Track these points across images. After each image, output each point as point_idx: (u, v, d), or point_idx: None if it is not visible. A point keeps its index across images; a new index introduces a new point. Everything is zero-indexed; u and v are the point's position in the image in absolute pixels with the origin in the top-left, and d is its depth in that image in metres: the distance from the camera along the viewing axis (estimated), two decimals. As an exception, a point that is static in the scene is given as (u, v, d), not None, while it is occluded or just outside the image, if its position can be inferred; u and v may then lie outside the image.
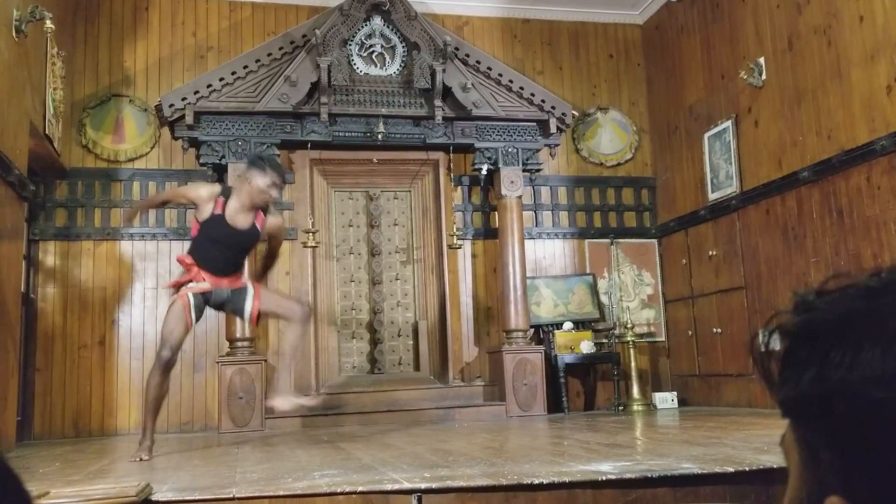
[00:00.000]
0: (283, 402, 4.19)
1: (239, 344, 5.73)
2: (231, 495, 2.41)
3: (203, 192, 4.08)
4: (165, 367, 3.92)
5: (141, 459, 3.70)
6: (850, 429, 0.52)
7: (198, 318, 4.09)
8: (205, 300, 4.10)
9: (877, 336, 0.53)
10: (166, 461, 3.72)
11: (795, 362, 0.57)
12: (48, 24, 4.78)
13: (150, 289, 6.08)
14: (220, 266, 4.06)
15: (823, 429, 0.54)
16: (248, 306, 4.12)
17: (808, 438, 0.56)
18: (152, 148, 6.27)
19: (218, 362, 5.70)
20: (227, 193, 4.05)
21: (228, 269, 4.11)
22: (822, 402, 0.54)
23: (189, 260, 4.05)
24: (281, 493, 2.44)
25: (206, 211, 4.01)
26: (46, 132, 5.29)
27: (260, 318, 4.22)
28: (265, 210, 4.11)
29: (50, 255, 5.94)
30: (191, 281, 4.04)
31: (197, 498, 2.40)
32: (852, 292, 0.57)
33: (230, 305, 4.18)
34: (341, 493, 2.43)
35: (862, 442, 0.52)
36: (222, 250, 4.04)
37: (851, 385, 0.52)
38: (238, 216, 4.02)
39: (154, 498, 2.37)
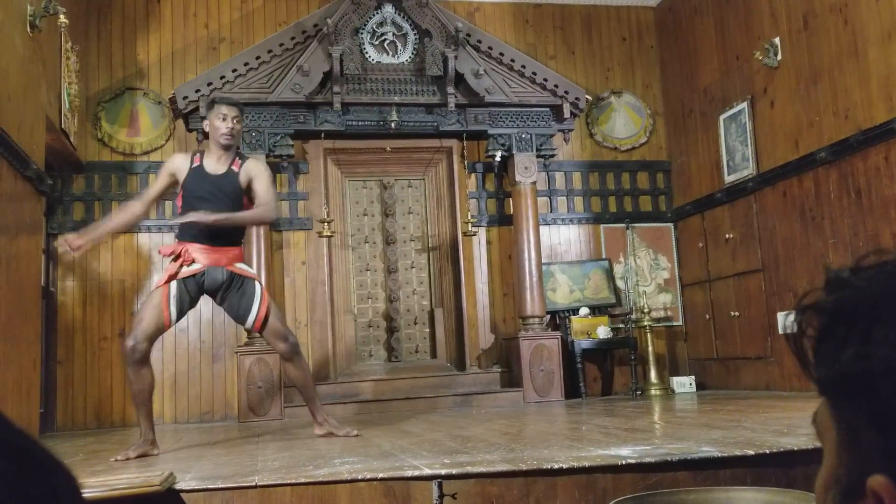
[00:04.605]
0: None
1: (257, 334, 5.76)
2: (254, 483, 2.44)
3: (177, 158, 3.99)
4: (130, 359, 3.60)
5: (127, 458, 3.42)
6: (895, 406, 0.51)
7: (180, 314, 3.74)
8: (198, 287, 3.77)
9: None
10: (188, 451, 3.76)
11: (833, 340, 0.55)
12: (62, 18, 4.79)
13: (168, 280, 6.12)
14: (210, 229, 3.72)
15: (866, 407, 0.53)
16: (255, 311, 3.80)
17: (848, 417, 0.55)
18: (167, 140, 6.30)
19: (236, 352, 5.74)
20: (202, 151, 3.98)
21: (221, 232, 3.76)
22: (864, 380, 0.53)
23: (170, 248, 3.81)
24: (303, 480, 2.46)
25: (185, 169, 3.84)
26: (62, 126, 5.33)
27: (264, 327, 3.85)
28: (240, 157, 3.94)
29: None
30: (181, 266, 3.72)
31: (220, 486, 2.42)
32: (891, 269, 0.56)
33: (231, 301, 3.81)
34: (362, 480, 2.44)
35: None
36: (208, 206, 3.71)
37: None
38: (216, 165, 3.85)
39: (178, 487, 2.40)
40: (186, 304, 3.76)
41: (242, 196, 3.87)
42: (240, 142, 4.00)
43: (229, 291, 3.81)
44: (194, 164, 3.85)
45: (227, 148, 3.88)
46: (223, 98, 4.04)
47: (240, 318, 3.88)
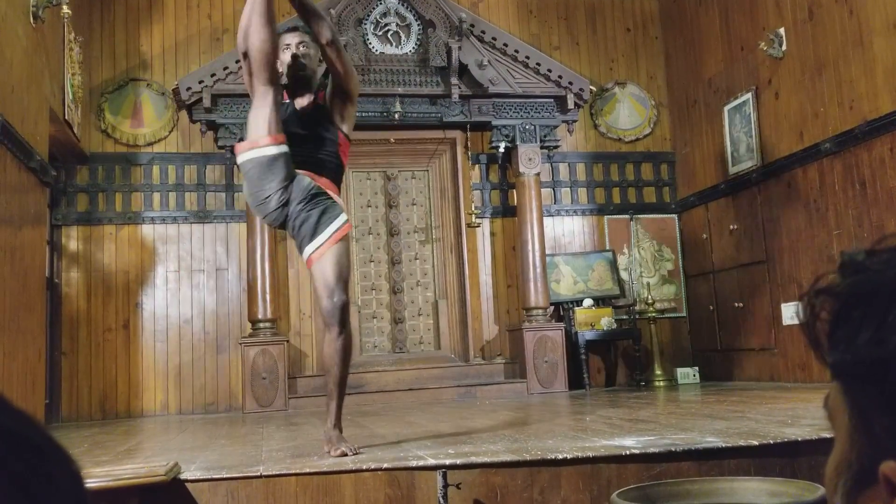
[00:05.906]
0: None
1: (261, 325, 5.78)
2: (258, 473, 2.44)
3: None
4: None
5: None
6: None
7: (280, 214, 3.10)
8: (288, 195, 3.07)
9: None
10: (193, 441, 3.77)
11: (848, 324, 0.54)
12: (65, 9, 4.79)
13: (172, 272, 6.13)
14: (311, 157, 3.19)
15: (880, 392, 0.52)
16: (322, 237, 3.05)
17: (861, 401, 0.54)
18: (171, 132, 6.30)
19: (241, 343, 5.75)
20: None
21: (321, 161, 3.22)
22: (879, 365, 0.52)
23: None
24: (307, 470, 2.47)
25: (279, 96, 3.13)
26: (66, 118, 5.33)
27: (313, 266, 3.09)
28: (317, 87, 3.32)
29: (73, 239, 6.00)
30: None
31: (225, 476, 2.43)
32: None
33: (302, 220, 3.09)
34: (367, 470, 2.45)
35: None
36: (297, 145, 3.11)
37: None
38: (303, 102, 3.26)
39: (182, 477, 2.40)
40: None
41: (338, 133, 3.30)
42: (316, 69, 3.27)
43: (303, 207, 3.09)
44: (285, 99, 3.25)
45: (305, 81, 3.22)
46: (283, 28, 3.30)
47: (300, 246, 3.15)
